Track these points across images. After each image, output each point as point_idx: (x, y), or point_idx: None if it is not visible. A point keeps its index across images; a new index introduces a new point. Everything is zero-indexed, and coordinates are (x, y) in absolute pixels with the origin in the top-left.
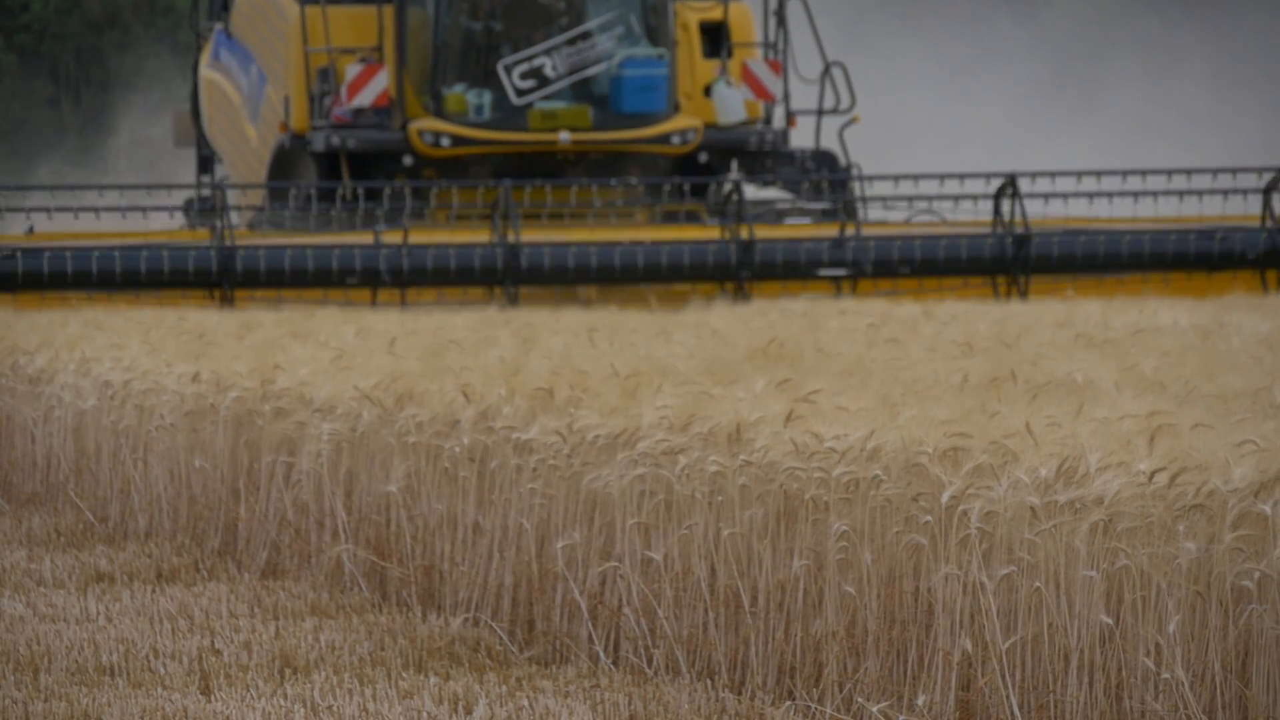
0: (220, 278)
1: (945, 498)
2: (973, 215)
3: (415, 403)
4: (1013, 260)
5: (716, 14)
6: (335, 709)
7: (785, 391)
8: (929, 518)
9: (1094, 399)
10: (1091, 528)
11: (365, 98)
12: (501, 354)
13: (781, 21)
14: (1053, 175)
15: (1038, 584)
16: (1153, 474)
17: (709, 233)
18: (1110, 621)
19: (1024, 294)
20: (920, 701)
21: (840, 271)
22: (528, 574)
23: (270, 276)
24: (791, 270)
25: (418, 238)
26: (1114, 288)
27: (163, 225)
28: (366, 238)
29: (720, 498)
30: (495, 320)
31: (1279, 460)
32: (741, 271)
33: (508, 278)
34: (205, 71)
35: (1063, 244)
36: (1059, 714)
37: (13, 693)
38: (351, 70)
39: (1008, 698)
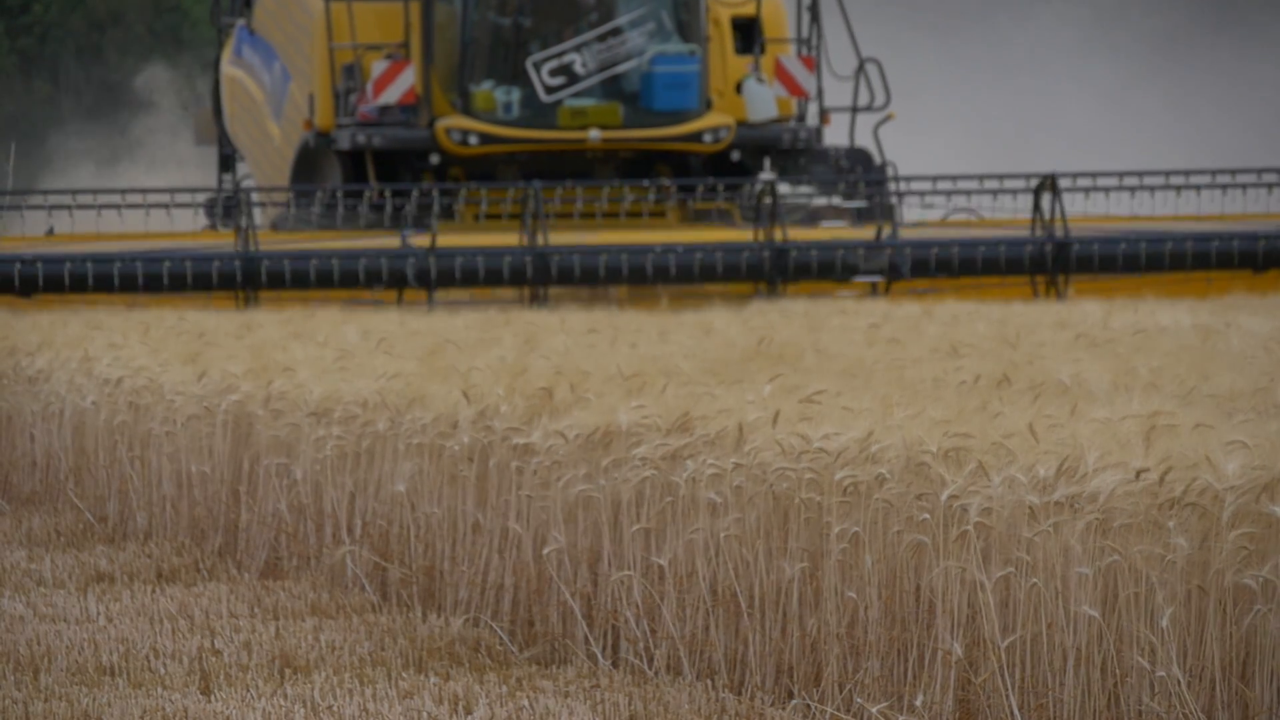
0: (244, 281)
1: (944, 496)
2: (1011, 214)
3: (418, 404)
4: (1052, 261)
5: (749, 9)
6: (335, 709)
7: (786, 393)
8: (926, 515)
9: (1093, 399)
10: (1087, 526)
11: (391, 95)
12: (503, 354)
13: (815, 17)
14: (1093, 175)
15: (1035, 581)
16: (1139, 473)
17: (741, 234)
18: (1096, 614)
19: (1063, 295)
20: (919, 701)
21: (876, 277)
22: (526, 574)
23: (295, 280)
24: (826, 273)
25: (445, 239)
26: (1156, 288)
27: (185, 225)
28: (393, 239)
29: (723, 499)
30: (496, 321)
31: (1276, 459)
32: (775, 275)
33: (537, 280)
34: (227, 68)
35: (1103, 245)
36: (1058, 713)
37: (13, 693)
38: (377, 67)
39: (1007, 697)
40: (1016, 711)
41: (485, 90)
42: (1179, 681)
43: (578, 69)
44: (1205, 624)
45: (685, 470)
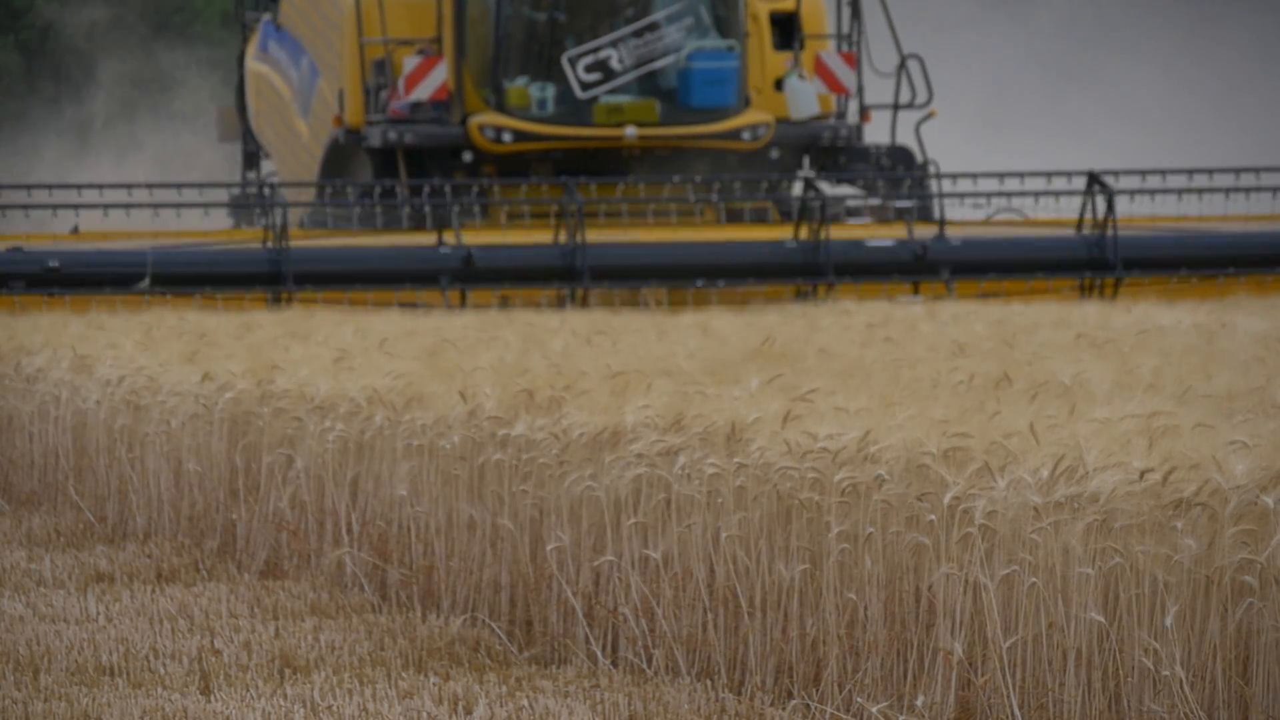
0: (276, 280)
1: (947, 498)
2: (1056, 213)
3: (417, 404)
4: (1100, 261)
5: (788, 4)
6: (335, 709)
7: (785, 392)
8: (932, 517)
9: (1093, 399)
10: (1088, 526)
11: (423, 91)
12: (502, 354)
13: (856, 12)
14: (1151, 173)
15: (1034, 580)
16: (1143, 473)
17: (781, 232)
18: (1102, 619)
19: (1113, 295)
20: (920, 702)
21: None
22: (523, 574)
23: (329, 278)
24: (869, 271)
25: (478, 238)
26: (1207, 290)
27: (207, 223)
28: (427, 237)
29: (722, 499)
30: (497, 321)
31: (1276, 458)
32: (825, 274)
33: (575, 279)
34: (252, 64)
35: (1153, 244)
36: (1058, 713)
37: (13, 693)
38: (409, 62)
39: (1008, 697)
40: (1017, 712)
41: (519, 86)
42: (1181, 681)
43: (614, 65)
44: (1207, 623)
45: (681, 469)
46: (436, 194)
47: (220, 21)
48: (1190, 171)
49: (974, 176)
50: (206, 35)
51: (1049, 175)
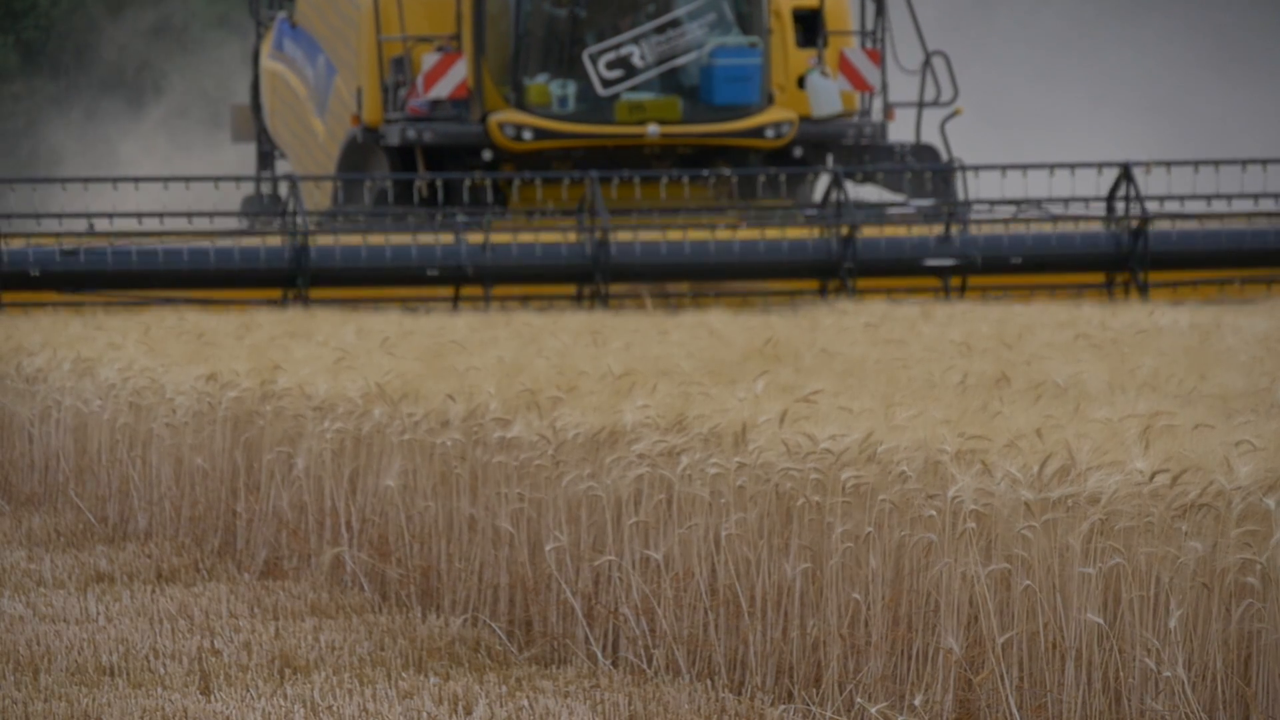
0: (294, 277)
1: (950, 494)
2: (1085, 211)
3: (413, 402)
4: (1130, 256)
5: (811, 1)
6: (335, 709)
7: (787, 392)
8: (933, 512)
9: (1094, 399)
10: (1090, 526)
11: (443, 89)
12: (503, 355)
13: (880, 9)
14: (1168, 165)
15: (1028, 582)
16: (1153, 475)
17: (807, 230)
18: (1100, 621)
19: (1144, 292)
20: (918, 701)
21: (948, 261)
22: (522, 574)
23: (347, 275)
24: (896, 266)
25: (500, 236)
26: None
27: (223, 223)
28: (446, 236)
29: (725, 498)
30: (497, 321)
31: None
32: (845, 268)
33: (597, 278)
34: (267, 62)
35: (1185, 238)
36: (1057, 713)
37: (13, 693)
38: (428, 60)
39: (1006, 696)
40: (1015, 711)
41: (540, 84)
42: (1183, 682)
43: (635, 62)
44: (1209, 624)
45: (684, 470)
46: (474, 190)
47: (219, 23)
48: (1245, 163)
49: (1023, 169)
50: (204, 38)
51: (1099, 167)
